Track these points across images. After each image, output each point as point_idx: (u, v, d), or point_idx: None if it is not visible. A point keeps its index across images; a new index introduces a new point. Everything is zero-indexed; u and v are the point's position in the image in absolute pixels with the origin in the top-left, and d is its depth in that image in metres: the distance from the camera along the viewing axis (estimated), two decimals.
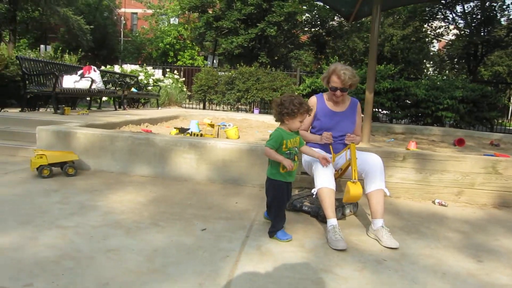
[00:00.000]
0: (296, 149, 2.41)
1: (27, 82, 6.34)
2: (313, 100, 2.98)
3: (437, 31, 20.57)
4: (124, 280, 1.77)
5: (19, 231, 2.25)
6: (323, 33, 21.31)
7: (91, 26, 23.44)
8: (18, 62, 7.15)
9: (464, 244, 2.52)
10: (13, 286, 1.67)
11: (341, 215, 2.86)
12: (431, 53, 23.81)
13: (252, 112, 12.37)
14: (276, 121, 2.45)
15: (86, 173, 3.76)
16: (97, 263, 1.92)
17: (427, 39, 21.67)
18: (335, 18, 20.44)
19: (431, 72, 22.92)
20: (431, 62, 24.40)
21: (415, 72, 20.50)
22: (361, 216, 3.00)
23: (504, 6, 17.29)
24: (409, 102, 11.21)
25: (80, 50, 11.48)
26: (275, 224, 2.41)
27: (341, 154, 2.77)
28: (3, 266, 1.83)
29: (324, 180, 2.47)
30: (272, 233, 2.40)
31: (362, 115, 4.76)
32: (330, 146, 2.79)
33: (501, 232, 2.80)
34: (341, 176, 2.74)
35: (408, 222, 2.90)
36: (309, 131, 3.05)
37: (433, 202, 3.48)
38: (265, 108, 13.07)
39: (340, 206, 2.85)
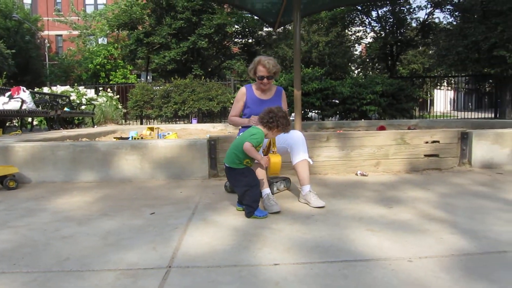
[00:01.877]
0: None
1: None
2: (242, 91, 3.34)
3: (357, 35, 22.28)
4: (83, 254, 1.95)
5: None
6: (253, 43, 22.12)
7: (12, 51, 22.21)
8: None
9: (379, 198, 2.99)
10: None
11: (276, 190, 3.22)
12: (355, 56, 25.61)
13: (190, 122, 12.56)
14: (261, 123, 2.65)
15: (27, 186, 3.78)
16: (54, 247, 2.07)
17: (349, 43, 23.31)
18: (264, 29, 21.32)
19: (356, 74, 24.62)
20: (355, 64, 26.20)
21: (342, 75, 21.89)
22: (294, 190, 3.37)
23: (411, 10, 19.32)
24: (336, 101, 12.10)
25: (5, 73, 10.96)
26: (253, 204, 2.54)
27: None
28: None
29: None
30: (250, 214, 2.53)
31: (293, 113, 5.21)
32: None
33: (409, 188, 3.33)
34: (267, 153, 3.08)
35: (334, 190, 3.33)
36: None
37: (356, 174, 3.97)
38: (203, 118, 13.32)
39: (274, 182, 3.21)
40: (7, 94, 7.08)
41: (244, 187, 2.56)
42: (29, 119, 9.12)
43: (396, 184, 3.51)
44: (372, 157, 4.06)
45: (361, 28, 21.74)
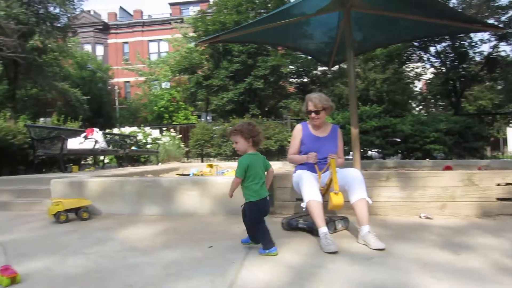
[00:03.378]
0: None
1: (36, 147, 6.80)
2: (298, 127, 3.40)
3: (415, 71, 21.70)
4: (146, 282, 2.07)
5: (49, 259, 2.55)
6: (308, 82, 22.43)
7: (87, 97, 24.47)
8: (25, 131, 7.67)
9: (445, 244, 2.79)
10: None
11: (333, 229, 3.15)
12: (415, 93, 24.85)
13: None
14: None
15: (98, 217, 4.07)
16: (121, 274, 2.21)
17: (408, 80, 22.74)
18: (318, 68, 21.61)
19: (418, 111, 23.78)
20: (416, 102, 25.37)
21: (402, 112, 21.31)
22: (352, 230, 3.27)
23: (473, 44, 18.43)
24: (398, 140, 11.72)
25: (81, 116, 12.11)
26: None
27: (326, 172, 3.14)
28: (39, 281, 2.13)
29: (310, 194, 2.82)
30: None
31: (351, 152, 5.14)
32: (316, 166, 3.16)
33: (479, 234, 3.08)
34: (327, 191, 3.07)
35: (395, 232, 3.18)
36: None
37: (419, 216, 3.75)
38: None
39: (331, 221, 3.16)
40: (83, 135, 7.78)
41: None
42: (101, 157, 9.86)
43: (464, 229, 3.27)
44: (436, 198, 3.84)
45: (419, 64, 21.19)
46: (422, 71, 21.70)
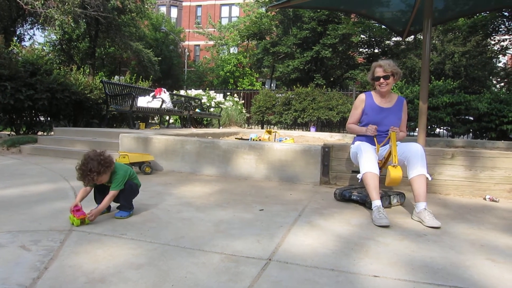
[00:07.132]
0: None
1: (109, 102, 7.28)
2: (361, 97, 3.26)
3: (501, 45, 19.60)
4: (196, 236, 2.18)
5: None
6: (379, 53, 21.29)
7: (159, 58, 25.46)
8: (101, 87, 8.22)
9: (508, 227, 2.62)
10: (112, 234, 2.15)
11: (387, 204, 3.06)
12: (498, 68, 22.61)
13: (309, 130, 12.68)
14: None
15: (159, 173, 4.32)
16: (174, 225, 2.35)
17: (491, 54, 20.68)
18: (392, 38, 20.36)
19: (498, 88, 21.69)
20: (498, 78, 23.11)
21: (479, 89, 19.58)
22: (408, 206, 3.17)
23: None
24: (470, 118, 10.88)
25: (151, 76, 12.67)
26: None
27: (385, 146, 3.02)
28: (102, 222, 2.34)
29: (367, 166, 2.74)
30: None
31: (417, 128, 4.85)
32: (375, 138, 3.05)
33: None
34: (385, 164, 2.97)
35: (454, 212, 3.03)
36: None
37: (484, 198, 3.54)
38: (321, 127, 13.32)
39: (386, 195, 3.07)
40: (151, 94, 8.16)
41: None
42: (167, 117, 10.33)
43: None
44: (506, 181, 3.57)
45: (507, 36, 19.07)
46: (510, 45, 19.58)
